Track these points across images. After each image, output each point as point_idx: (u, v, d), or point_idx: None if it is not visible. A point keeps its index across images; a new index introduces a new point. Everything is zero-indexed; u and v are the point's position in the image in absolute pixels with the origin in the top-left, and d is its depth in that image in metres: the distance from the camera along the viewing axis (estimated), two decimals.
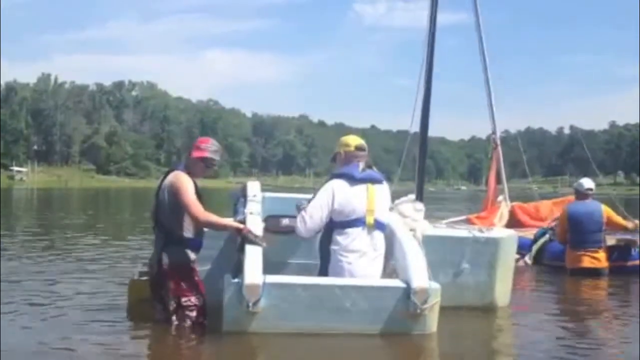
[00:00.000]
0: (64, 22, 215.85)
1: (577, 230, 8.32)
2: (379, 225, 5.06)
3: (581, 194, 8.61)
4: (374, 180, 5.12)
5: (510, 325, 5.88)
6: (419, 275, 4.61)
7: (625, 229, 8.61)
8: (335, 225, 5.00)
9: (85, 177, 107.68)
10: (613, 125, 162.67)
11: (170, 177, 4.87)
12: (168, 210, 4.79)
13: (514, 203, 10.99)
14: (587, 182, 8.69)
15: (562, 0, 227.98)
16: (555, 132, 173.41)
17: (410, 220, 5.60)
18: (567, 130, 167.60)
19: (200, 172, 5.04)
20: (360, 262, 4.91)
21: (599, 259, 8.23)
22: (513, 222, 10.38)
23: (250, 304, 4.34)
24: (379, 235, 5.06)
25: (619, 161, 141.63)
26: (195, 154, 5.01)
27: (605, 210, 8.46)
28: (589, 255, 8.23)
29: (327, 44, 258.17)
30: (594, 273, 8.14)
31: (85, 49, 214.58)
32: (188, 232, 4.80)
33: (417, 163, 6.36)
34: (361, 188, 5.03)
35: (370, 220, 4.99)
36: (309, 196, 5.24)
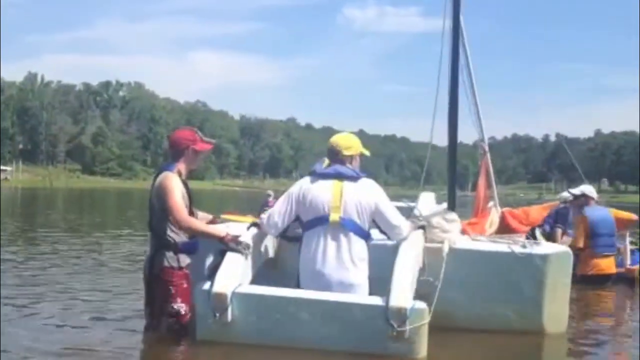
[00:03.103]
0: (53, 22, 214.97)
1: (597, 235, 8.29)
2: (347, 224, 4.48)
3: (590, 199, 8.68)
4: (341, 176, 4.58)
5: (534, 351, 5.13)
6: (399, 293, 4.13)
7: (631, 221, 8.77)
8: (302, 226, 4.64)
9: (71, 177, 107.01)
10: (598, 133, 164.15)
11: (159, 179, 4.74)
12: (158, 214, 4.66)
13: (504, 209, 11.05)
14: (592, 189, 8.84)
15: (549, 9, 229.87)
16: (541, 139, 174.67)
17: (439, 231, 5.05)
18: (552, 138, 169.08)
19: (199, 162, 4.98)
20: (327, 265, 4.45)
21: (611, 265, 8.28)
22: (503, 227, 10.43)
23: (217, 314, 4.17)
24: (348, 235, 4.49)
25: (603, 169, 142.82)
26: (203, 146, 4.88)
27: (613, 212, 8.61)
28: (606, 260, 8.26)
29: (317, 48, 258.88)
30: (607, 279, 8.16)
31: (73, 48, 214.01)
32: (179, 235, 4.63)
33: (448, 171, 5.69)
34: (325, 184, 4.56)
35: (334, 217, 4.46)
36: None
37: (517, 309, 5.07)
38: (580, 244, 8.32)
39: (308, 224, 4.56)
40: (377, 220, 4.59)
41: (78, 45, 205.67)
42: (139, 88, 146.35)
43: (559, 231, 8.95)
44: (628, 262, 8.42)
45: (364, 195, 4.55)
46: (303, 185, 4.64)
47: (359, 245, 4.52)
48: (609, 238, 8.31)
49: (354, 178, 4.59)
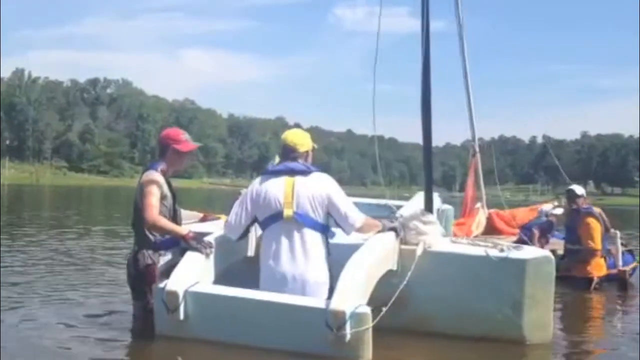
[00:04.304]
0: (40, 18, 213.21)
1: (603, 239, 8.29)
2: (302, 219, 4.45)
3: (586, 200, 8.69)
4: (293, 172, 4.57)
5: None
6: (340, 296, 4.04)
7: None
8: (260, 226, 4.66)
9: (58, 174, 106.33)
10: (585, 135, 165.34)
11: (141, 178, 4.79)
12: (139, 211, 4.71)
13: (491, 210, 11.10)
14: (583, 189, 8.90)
15: (538, 10, 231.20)
16: (528, 140, 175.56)
17: (415, 233, 4.93)
18: (540, 140, 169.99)
19: (184, 164, 5.02)
20: (281, 262, 4.43)
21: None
22: (490, 229, 10.49)
23: (170, 311, 4.23)
24: (304, 231, 4.46)
25: (589, 171, 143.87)
26: (185, 147, 4.92)
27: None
28: (605, 263, 8.28)
29: (307, 47, 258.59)
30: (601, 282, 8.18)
31: (61, 45, 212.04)
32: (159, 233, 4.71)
33: (424, 171, 5.51)
34: (277, 181, 4.56)
35: (288, 212, 4.45)
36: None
37: (495, 317, 4.86)
38: (600, 248, 8.19)
39: (264, 222, 4.56)
40: (332, 212, 4.54)
41: (66, 41, 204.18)
42: (127, 85, 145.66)
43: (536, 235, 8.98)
44: (620, 263, 8.45)
45: (316, 189, 4.51)
46: (255, 185, 4.65)
47: (314, 240, 4.48)
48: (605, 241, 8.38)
49: (305, 172, 4.58)
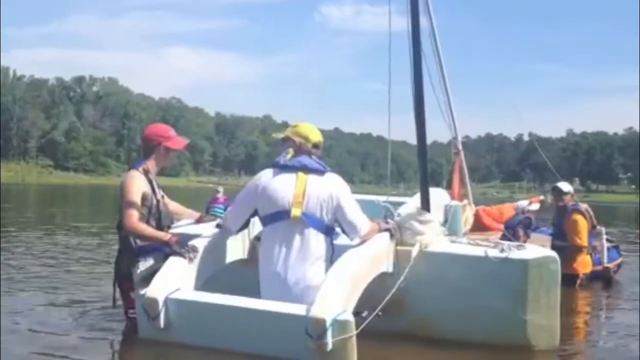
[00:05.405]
0: (25, 15, 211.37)
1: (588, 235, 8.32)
2: (310, 220, 4.23)
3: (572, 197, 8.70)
4: (306, 169, 4.30)
5: None
6: (321, 303, 3.82)
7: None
8: (262, 221, 4.41)
9: (43, 173, 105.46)
10: (570, 132, 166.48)
11: (122, 178, 4.67)
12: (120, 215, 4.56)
13: (478, 207, 11.14)
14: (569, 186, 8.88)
15: (523, 8, 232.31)
16: (514, 138, 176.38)
17: (411, 233, 4.74)
18: (526, 137, 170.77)
19: (171, 160, 4.89)
20: (284, 265, 4.22)
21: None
22: (478, 225, 10.52)
23: (151, 319, 4.10)
24: (308, 232, 4.24)
25: (575, 168, 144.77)
26: (176, 144, 4.80)
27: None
28: (591, 260, 8.30)
29: (293, 45, 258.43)
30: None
31: (46, 42, 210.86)
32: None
33: (419, 169, 5.23)
34: (288, 177, 4.29)
35: (296, 212, 4.20)
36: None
37: (497, 320, 4.63)
38: (586, 245, 8.23)
39: (267, 218, 4.32)
40: (338, 216, 4.34)
41: (51, 39, 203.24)
42: (113, 83, 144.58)
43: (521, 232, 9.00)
44: (605, 260, 8.48)
45: (328, 191, 4.28)
46: (264, 177, 4.37)
47: (319, 242, 4.28)
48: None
49: (320, 172, 4.33)
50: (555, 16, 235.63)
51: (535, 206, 9.53)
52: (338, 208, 4.31)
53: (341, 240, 4.52)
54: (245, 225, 4.62)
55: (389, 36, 5.58)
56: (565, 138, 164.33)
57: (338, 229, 4.47)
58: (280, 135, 4.55)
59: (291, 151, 4.40)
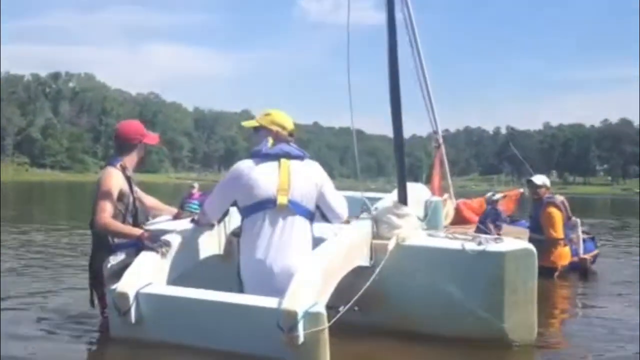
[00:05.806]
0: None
1: (563, 226, 8.38)
2: (296, 208, 4.16)
3: (548, 190, 8.73)
4: (289, 155, 4.23)
5: None
6: (293, 295, 3.74)
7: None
8: (242, 213, 4.27)
9: (19, 170, 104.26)
10: (547, 126, 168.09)
11: (98, 175, 4.62)
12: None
13: (459, 200, 11.20)
14: (546, 178, 8.91)
15: (501, 6, 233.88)
16: (492, 131, 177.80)
17: (388, 227, 4.72)
18: (504, 130, 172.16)
19: (145, 156, 4.88)
20: (269, 253, 4.10)
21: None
22: (458, 219, 10.58)
23: (121, 314, 4.02)
24: (294, 219, 4.16)
25: (552, 161, 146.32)
26: (152, 140, 4.78)
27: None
28: (569, 252, 8.35)
29: (272, 39, 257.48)
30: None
31: (21, 38, 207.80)
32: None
33: (397, 163, 5.17)
34: (270, 165, 4.19)
35: (282, 200, 4.11)
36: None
37: (474, 315, 4.56)
38: (562, 236, 8.31)
39: (249, 208, 4.19)
40: (321, 203, 4.28)
41: (26, 35, 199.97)
42: (89, 79, 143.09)
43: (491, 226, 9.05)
44: (581, 251, 8.56)
45: (312, 177, 4.25)
46: (244, 167, 4.25)
47: (305, 230, 4.22)
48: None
49: (300, 157, 4.28)
50: (535, 5, 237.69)
51: (498, 196, 9.86)
52: (322, 194, 4.28)
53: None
54: (225, 216, 4.54)
55: (347, 27, 5.50)
56: (543, 131, 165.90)
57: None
58: (254, 124, 4.49)
59: (271, 140, 4.31)
